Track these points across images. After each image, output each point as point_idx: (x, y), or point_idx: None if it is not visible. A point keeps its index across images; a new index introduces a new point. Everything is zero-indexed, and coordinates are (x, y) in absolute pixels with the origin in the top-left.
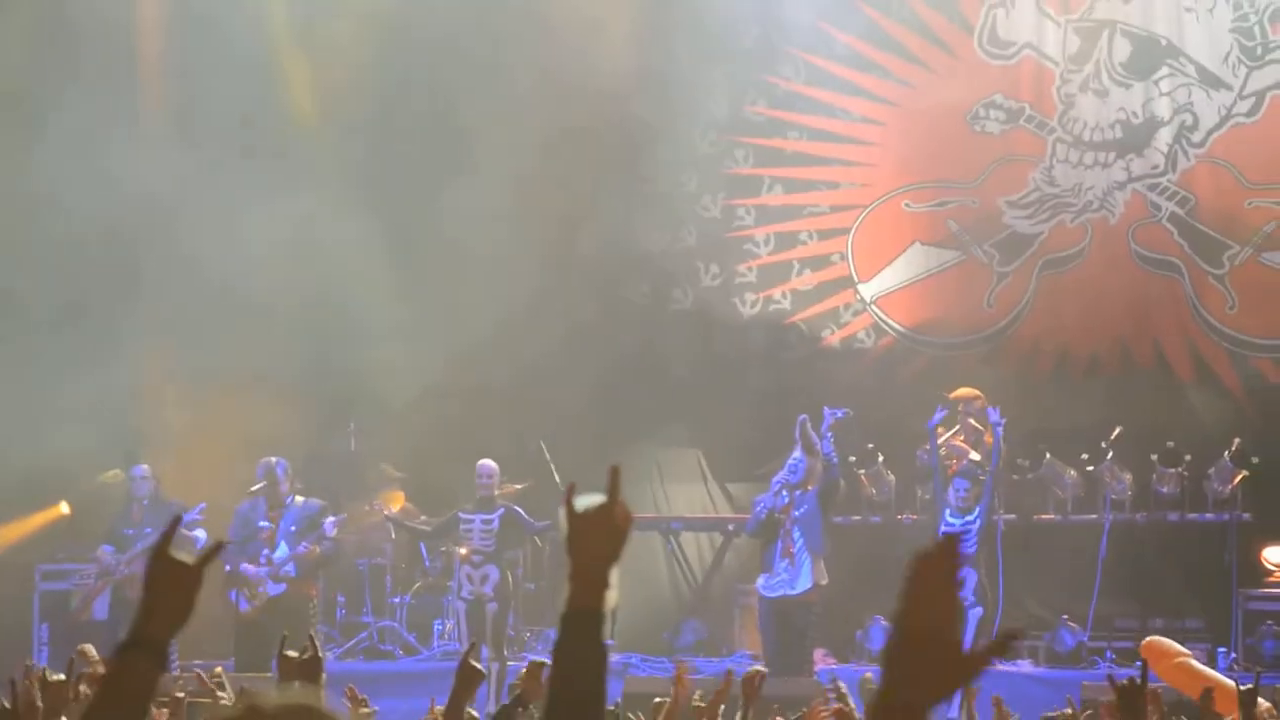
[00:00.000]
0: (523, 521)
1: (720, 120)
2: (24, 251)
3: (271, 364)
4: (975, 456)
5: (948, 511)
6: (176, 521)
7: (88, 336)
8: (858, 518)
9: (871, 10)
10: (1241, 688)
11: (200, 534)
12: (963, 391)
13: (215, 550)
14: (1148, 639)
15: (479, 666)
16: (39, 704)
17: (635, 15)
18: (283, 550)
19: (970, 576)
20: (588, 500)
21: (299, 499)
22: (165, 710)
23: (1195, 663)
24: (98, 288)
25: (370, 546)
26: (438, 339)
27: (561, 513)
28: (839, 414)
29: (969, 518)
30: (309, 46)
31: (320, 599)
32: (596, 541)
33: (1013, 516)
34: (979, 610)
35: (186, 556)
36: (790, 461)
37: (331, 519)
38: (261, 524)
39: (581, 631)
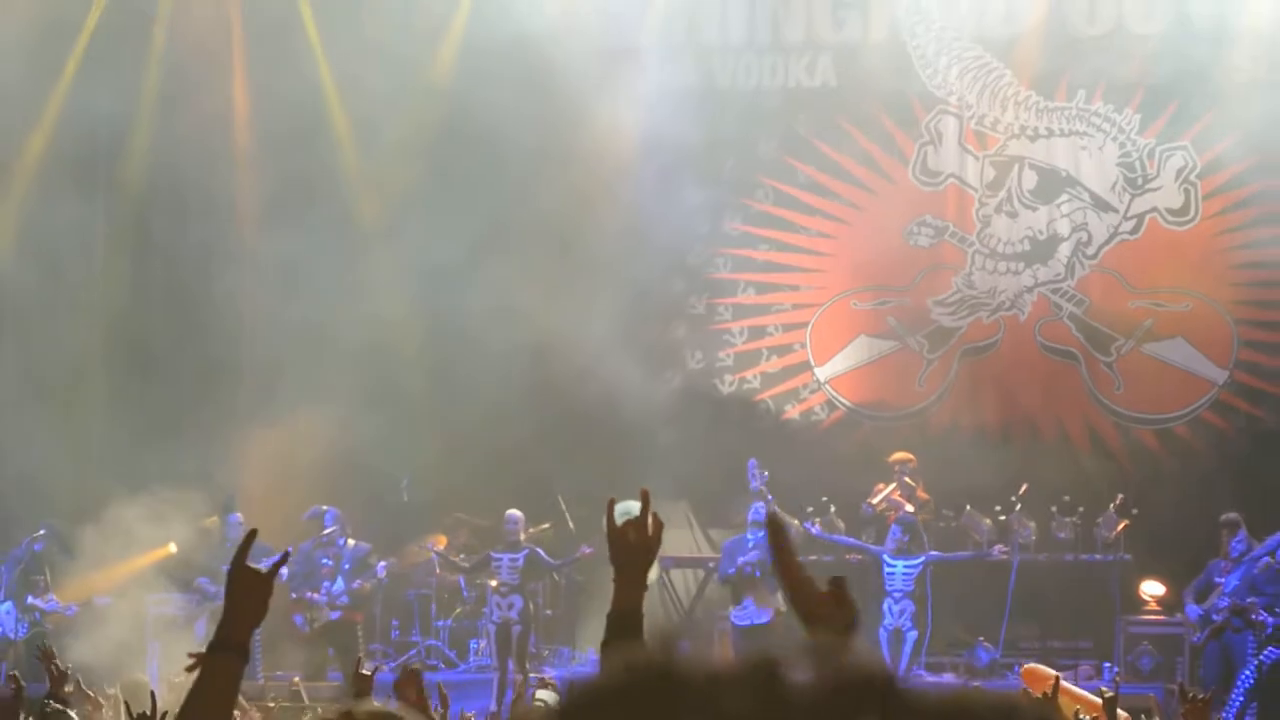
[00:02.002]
0: (542, 560)
1: (705, 235)
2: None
3: (345, 431)
4: (910, 509)
5: (886, 555)
6: (252, 535)
7: (198, 404)
8: (814, 557)
9: (826, 147)
10: (1106, 696)
11: (281, 569)
12: (898, 455)
13: (282, 561)
14: (1026, 665)
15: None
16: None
17: (638, 152)
18: (339, 584)
19: (908, 606)
20: (625, 511)
21: (351, 542)
22: (259, 715)
23: (1066, 683)
24: (207, 369)
25: (418, 580)
26: (471, 410)
27: (604, 523)
28: (751, 463)
29: (911, 560)
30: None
31: (371, 623)
32: (636, 546)
33: (933, 555)
34: (914, 633)
35: (259, 566)
36: (754, 505)
37: (383, 563)
38: (324, 561)
39: (626, 628)
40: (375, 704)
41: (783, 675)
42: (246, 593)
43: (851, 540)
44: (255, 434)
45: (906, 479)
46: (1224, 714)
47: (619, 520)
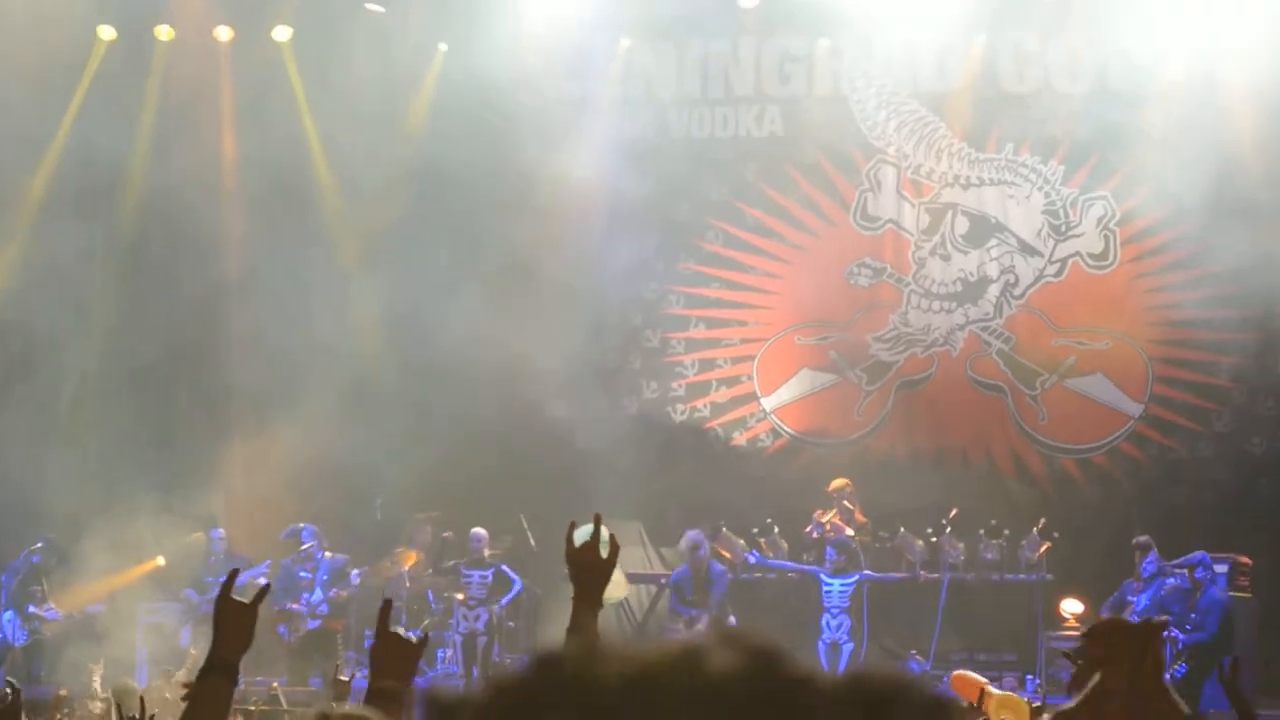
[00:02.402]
0: (510, 575)
1: (659, 273)
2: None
3: (322, 453)
4: (850, 532)
5: (823, 574)
6: (234, 574)
7: (186, 425)
8: (760, 575)
9: (772, 192)
10: (1033, 705)
11: (262, 580)
12: (837, 482)
13: (263, 593)
14: (955, 672)
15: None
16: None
17: (598, 196)
18: (318, 594)
19: (845, 620)
20: (582, 534)
21: (328, 554)
22: (240, 718)
23: (991, 687)
24: (195, 392)
25: (390, 592)
26: (440, 434)
27: (564, 545)
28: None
29: (846, 579)
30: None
31: (348, 632)
32: (592, 566)
33: (870, 573)
34: (850, 645)
35: (243, 598)
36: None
37: (356, 571)
38: (302, 574)
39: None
40: (350, 706)
41: (704, 658)
42: (233, 622)
43: (790, 564)
44: (239, 453)
45: (845, 503)
46: None
47: (577, 542)
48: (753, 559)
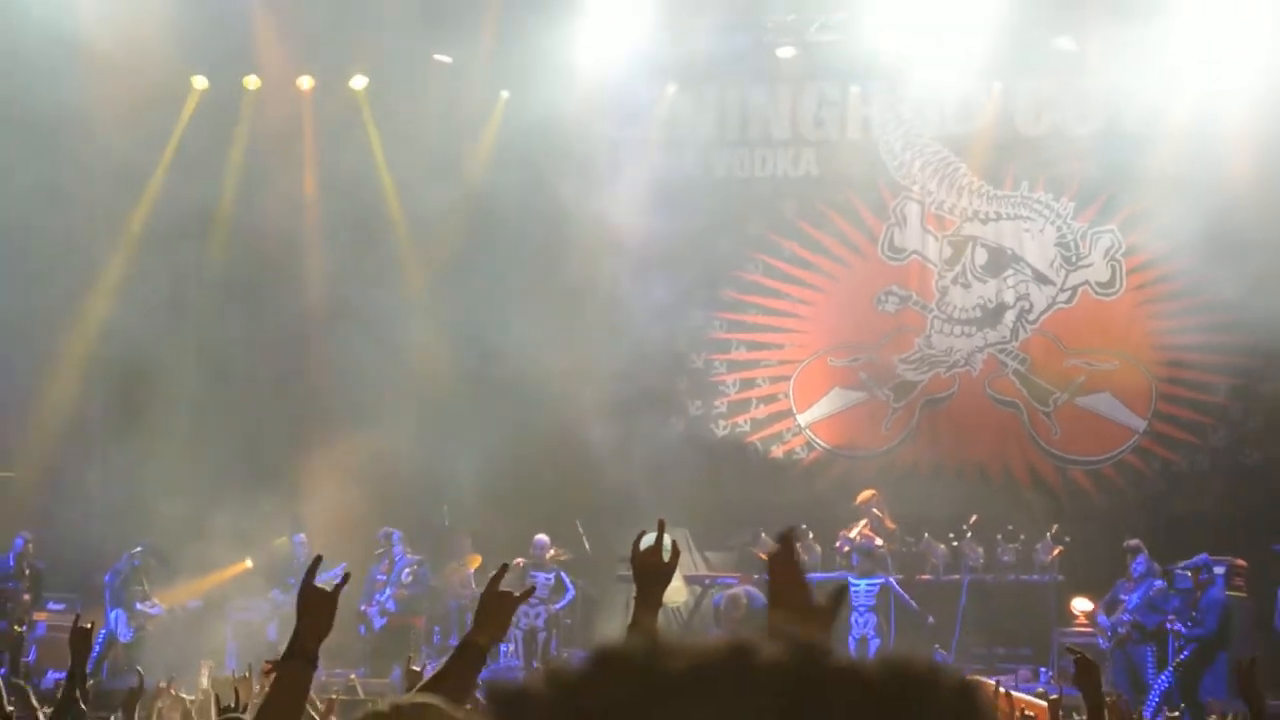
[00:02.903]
0: (566, 582)
1: (703, 300)
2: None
3: (394, 465)
4: (879, 541)
5: (851, 576)
6: (318, 560)
7: (271, 440)
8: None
9: (807, 226)
10: (1050, 699)
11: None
12: (865, 494)
13: (344, 581)
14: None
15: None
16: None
17: (647, 230)
18: (387, 593)
19: (871, 618)
20: (647, 540)
21: (408, 553)
22: (324, 706)
23: (1012, 691)
24: (278, 411)
25: (456, 592)
26: (504, 449)
27: (630, 550)
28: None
29: (871, 580)
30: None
31: (424, 628)
32: (653, 569)
33: (900, 576)
34: (877, 641)
35: (325, 586)
36: None
37: (424, 570)
38: (379, 576)
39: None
40: (420, 695)
41: (754, 651)
42: (314, 609)
43: (818, 575)
44: (319, 465)
45: (875, 511)
46: (1145, 711)
47: (641, 547)
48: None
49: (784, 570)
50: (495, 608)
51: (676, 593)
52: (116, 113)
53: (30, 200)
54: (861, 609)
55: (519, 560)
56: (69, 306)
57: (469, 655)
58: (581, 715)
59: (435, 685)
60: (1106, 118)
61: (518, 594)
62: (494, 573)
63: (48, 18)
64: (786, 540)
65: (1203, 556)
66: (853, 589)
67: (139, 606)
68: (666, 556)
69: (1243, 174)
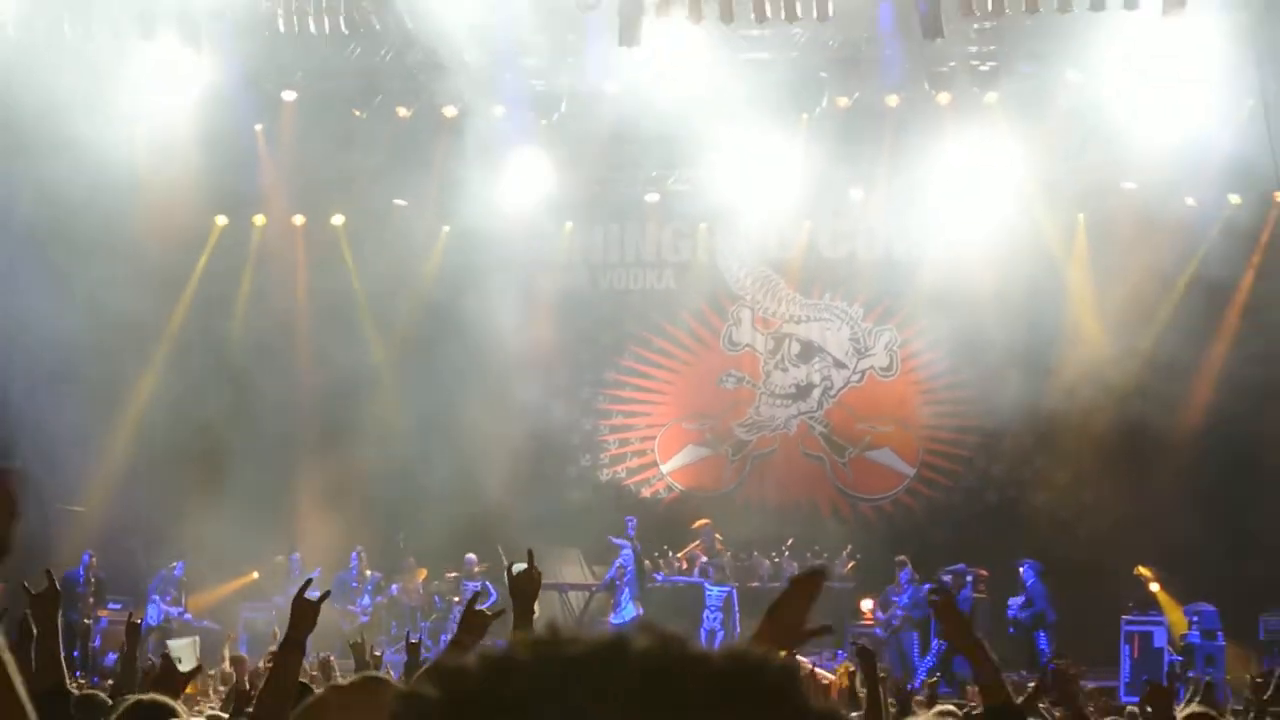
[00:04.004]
0: (490, 589)
1: (591, 380)
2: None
3: (363, 500)
4: (705, 559)
5: (706, 584)
6: (309, 581)
7: (273, 480)
8: (661, 581)
9: (669, 326)
10: (850, 670)
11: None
12: (700, 522)
13: (324, 596)
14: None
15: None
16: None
17: (553, 327)
18: (366, 600)
19: (719, 615)
20: (520, 567)
21: (368, 572)
22: (317, 670)
23: (815, 667)
24: (277, 461)
25: (411, 598)
26: (444, 490)
27: (506, 576)
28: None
29: (721, 587)
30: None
31: (386, 625)
32: (524, 589)
33: (736, 585)
34: (723, 633)
35: (311, 598)
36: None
37: (395, 585)
38: (353, 584)
39: None
40: (375, 673)
41: (627, 641)
42: (303, 612)
43: (684, 579)
44: (312, 501)
45: (714, 535)
46: (912, 686)
47: (514, 573)
48: (659, 578)
49: (800, 596)
50: (475, 620)
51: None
52: (158, 240)
53: (93, 297)
54: (713, 608)
55: (452, 573)
56: (124, 384)
57: (456, 651)
58: (476, 705)
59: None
60: (885, 246)
61: (494, 612)
62: (444, 587)
63: (103, 160)
64: (817, 576)
65: (960, 566)
66: (707, 594)
67: (175, 612)
68: (536, 575)
69: (985, 291)
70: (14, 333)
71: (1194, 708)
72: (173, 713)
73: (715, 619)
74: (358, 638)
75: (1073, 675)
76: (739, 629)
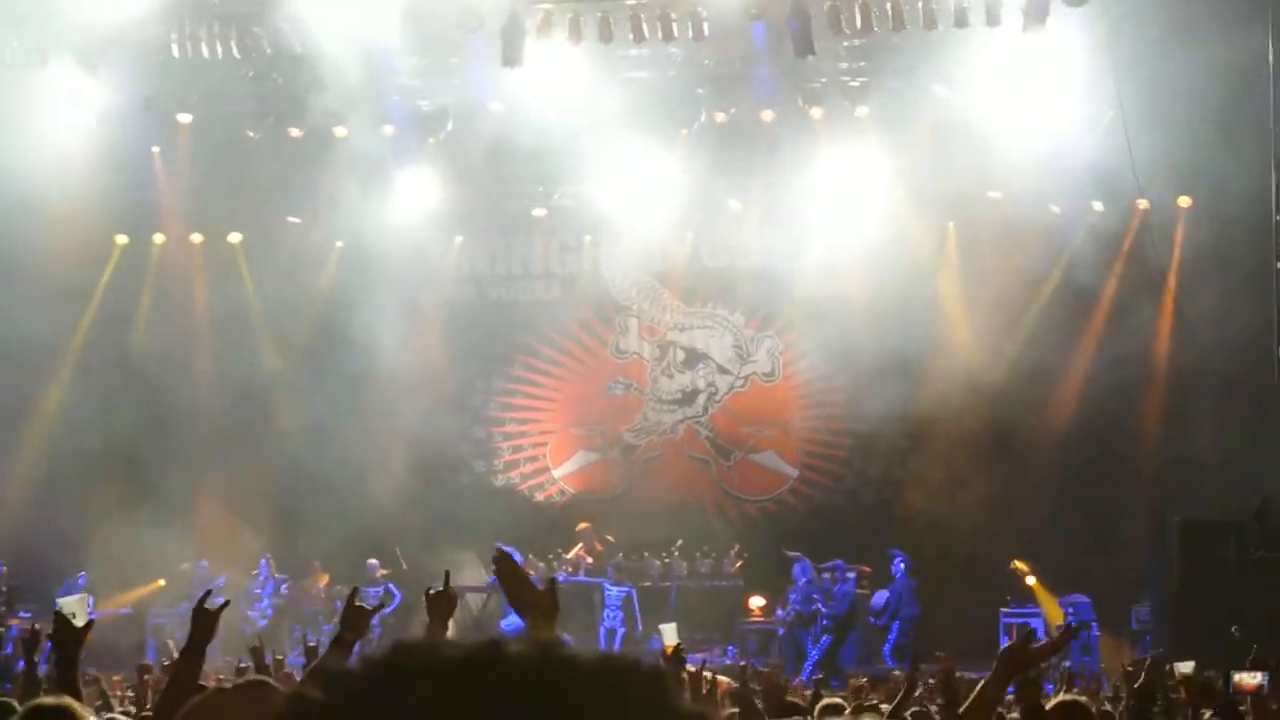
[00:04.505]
0: (394, 591)
1: (483, 389)
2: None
3: (266, 509)
4: (589, 560)
5: (606, 583)
6: (207, 594)
7: (177, 490)
8: (563, 581)
9: (556, 335)
10: (740, 666)
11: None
12: (582, 525)
13: (223, 606)
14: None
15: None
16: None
17: (445, 337)
18: (265, 603)
19: (618, 614)
20: (437, 588)
21: (275, 575)
22: (213, 683)
23: (704, 671)
24: (181, 472)
25: (311, 601)
26: (346, 496)
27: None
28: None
29: (621, 587)
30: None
31: (290, 627)
32: (441, 602)
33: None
34: (624, 629)
35: (211, 607)
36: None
37: (285, 587)
38: (256, 590)
39: None
40: (261, 677)
41: (507, 643)
42: (203, 622)
43: (585, 579)
44: (216, 511)
45: (593, 538)
46: (801, 678)
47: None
48: (560, 579)
49: (510, 575)
50: (356, 617)
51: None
52: (61, 260)
53: None
54: (613, 608)
55: (357, 587)
56: (31, 398)
57: (340, 647)
58: (358, 707)
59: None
60: (763, 256)
61: (372, 607)
62: (345, 590)
63: (3, 181)
64: (499, 556)
65: (838, 562)
66: (606, 593)
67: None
68: (452, 595)
69: (860, 298)
70: None
71: (1063, 696)
72: (73, 715)
73: (616, 618)
74: (256, 642)
75: (949, 669)
76: (641, 627)
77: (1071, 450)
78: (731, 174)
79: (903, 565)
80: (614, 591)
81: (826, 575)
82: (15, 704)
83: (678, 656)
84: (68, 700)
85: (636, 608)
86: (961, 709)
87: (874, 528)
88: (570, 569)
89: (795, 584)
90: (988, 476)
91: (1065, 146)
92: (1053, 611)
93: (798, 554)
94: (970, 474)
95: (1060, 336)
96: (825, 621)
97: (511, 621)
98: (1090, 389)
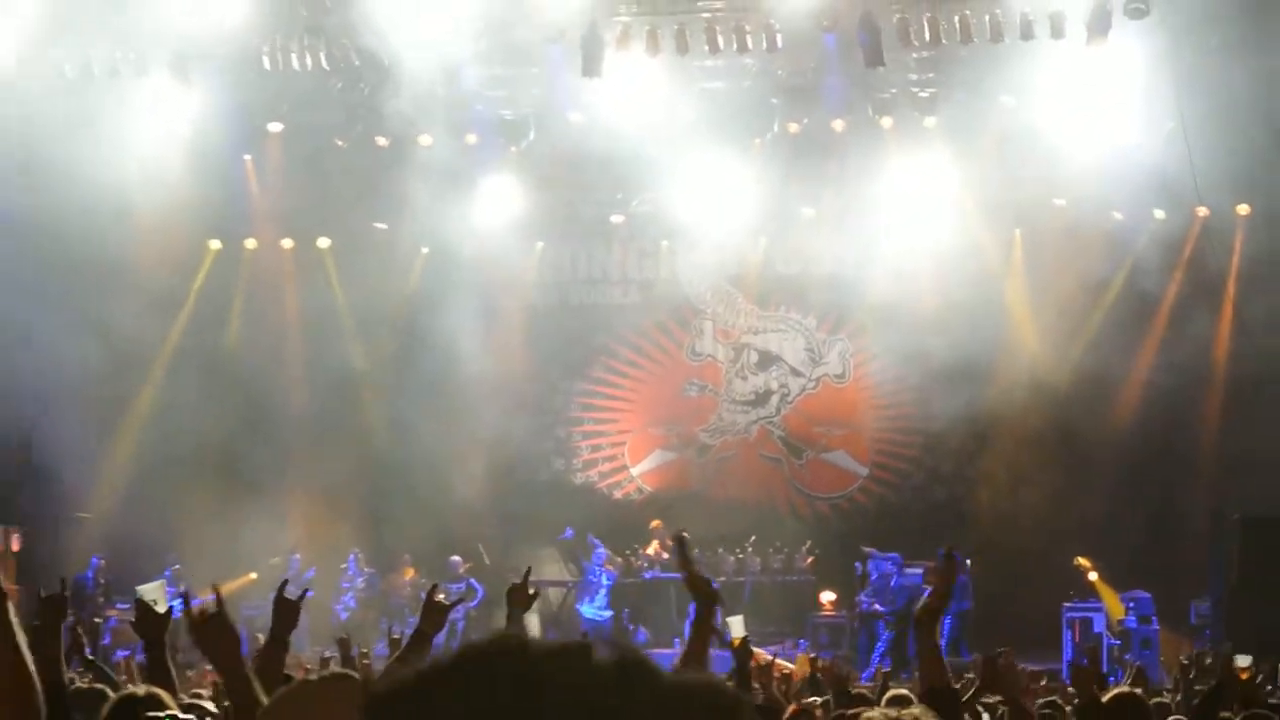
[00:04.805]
0: (476, 586)
1: (564, 390)
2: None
3: (356, 506)
4: (666, 556)
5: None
6: (285, 584)
7: (272, 489)
8: (631, 580)
9: (635, 338)
10: (810, 658)
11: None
12: (655, 523)
13: (302, 596)
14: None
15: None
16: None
17: (528, 339)
18: (349, 597)
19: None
20: (517, 582)
21: (365, 569)
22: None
23: (776, 658)
24: (275, 469)
25: (399, 593)
26: (430, 492)
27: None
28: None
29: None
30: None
31: (376, 619)
32: (521, 596)
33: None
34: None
35: (290, 596)
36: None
37: (373, 581)
38: (344, 584)
39: None
40: (343, 670)
41: (592, 649)
42: (285, 612)
43: (669, 574)
44: (305, 506)
45: (665, 536)
46: (867, 673)
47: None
48: (646, 575)
49: (683, 559)
50: (435, 612)
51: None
52: (157, 265)
53: (96, 319)
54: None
55: (436, 584)
56: (127, 399)
57: (419, 641)
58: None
59: (400, 663)
60: (835, 261)
61: (451, 602)
62: (429, 585)
63: (102, 191)
64: (678, 540)
65: (896, 555)
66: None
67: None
68: (532, 591)
69: (928, 303)
70: (22, 356)
71: (1123, 688)
72: (161, 704)
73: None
74: (344, 634)
75: (1011, 667)
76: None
77: (1133, 450)
78: (804, 182)
79: (912, 572)
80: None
81: (888, 565)
82: (109, 690)
83: (745, 648)
84: (157, 689)
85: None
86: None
87: (943, 524)
88: (648, 565)
89: (869, 580)
90: (1052, 475)
91: (1127, 155)
92: (1114, 606)
93: (867, 549)
94: (1035, 472)
95: (1122, 340)
96: (888, 617)
97: (595, 608)
98: (1151, 391)
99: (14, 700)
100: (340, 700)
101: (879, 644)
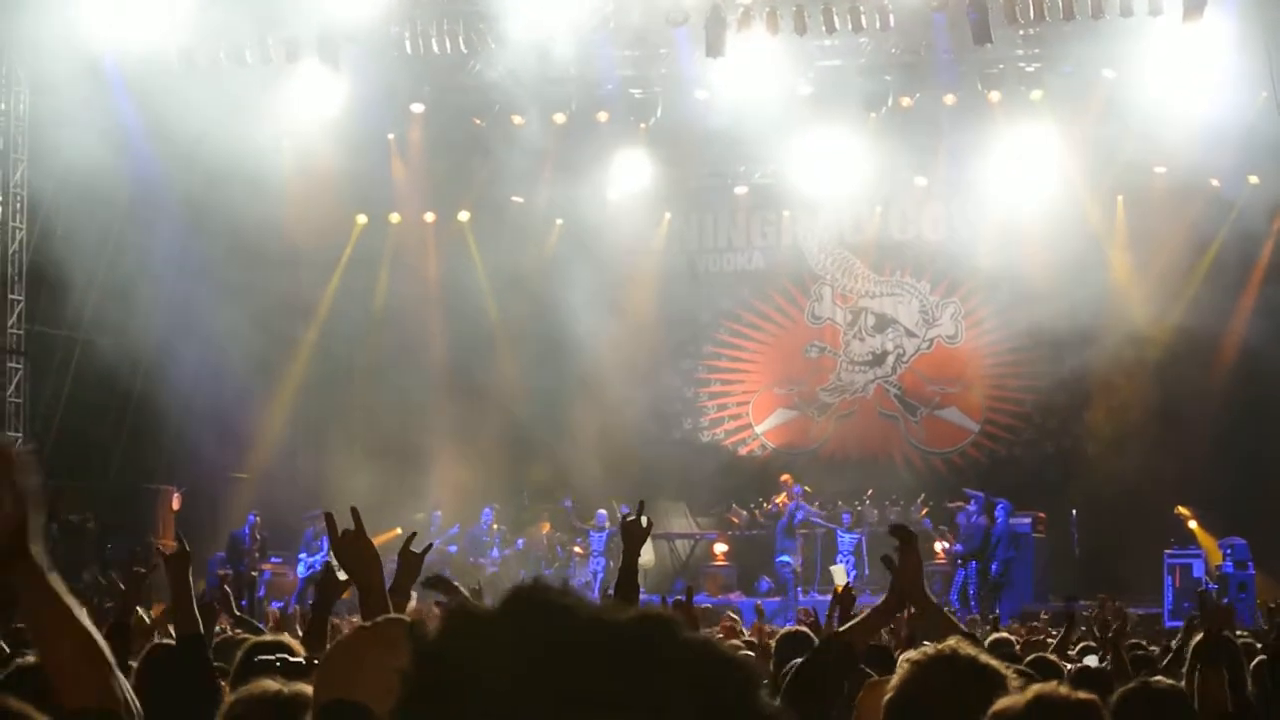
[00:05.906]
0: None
1: (691, 352)
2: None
3: (494, 463)
4: (790, 504)
5: (840, 530)
6: (412, 535)
7: (414, 447)
8: (755, 531)
9: (758, 303)
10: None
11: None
12: (784, 476)
13: (427, 549)
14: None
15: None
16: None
17: (659, 305)
18: (495, 553)
19: (851, 559)
20: (630, 516)
21: (496, 526)
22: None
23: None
24: (420, 430)
25: (537, 547)
26: (567, 449)
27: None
28: (797, 489)
29: (853, 534)
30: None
31: (521, 573)
32: (636, 532)
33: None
34: (855, 572)
35: (416, 549)
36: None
37: (521, 540)
38: (484, 539)
39: (627, 582)
40: (395, 615)
41: (676, 621)
42: (408, 564)
43: (824, 524)
44: (449, 469)
45: (803, 487)
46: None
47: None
48: (799, 516)
49: (907, 563)
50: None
51: (647, 553)
52: (306, 238)
53: (252, 288)
54: (845, 553)
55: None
56: (281, 364)
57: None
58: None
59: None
60: (947, 228)
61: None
62: (565, 539)
63: (258, 167)
64: (905, 537)
65: (979, 493)
66: (839, 539)
67: (316, 562)
68: (644, 523)
69: (1034, 267)
70: (184, 326)
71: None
72: (291, 651)
73: (849, 562)
74: (476, 585)
75: (1116, 618)
76: (869, 571)
77: (1230, 404)
78: (917, 153)
79: (1004, 512)
80: (847, 538)
81: (971, 506)
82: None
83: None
84: (286, 638)
85: (865, 553)
86: (848, 626)
87: (1052, 477)
88: (769, 512)
89: (959, 527)
90: (1156, 428)
91: (1223, 124)
92: (1213, 552)
93: (967, 491)
94: (1140, 426)
95: (1220, 300)
96: (958, 555)
97: (784, 555)
98: (1247, 349)
99: (85, 660)
100: (390, 644)
101: (969, 586)
